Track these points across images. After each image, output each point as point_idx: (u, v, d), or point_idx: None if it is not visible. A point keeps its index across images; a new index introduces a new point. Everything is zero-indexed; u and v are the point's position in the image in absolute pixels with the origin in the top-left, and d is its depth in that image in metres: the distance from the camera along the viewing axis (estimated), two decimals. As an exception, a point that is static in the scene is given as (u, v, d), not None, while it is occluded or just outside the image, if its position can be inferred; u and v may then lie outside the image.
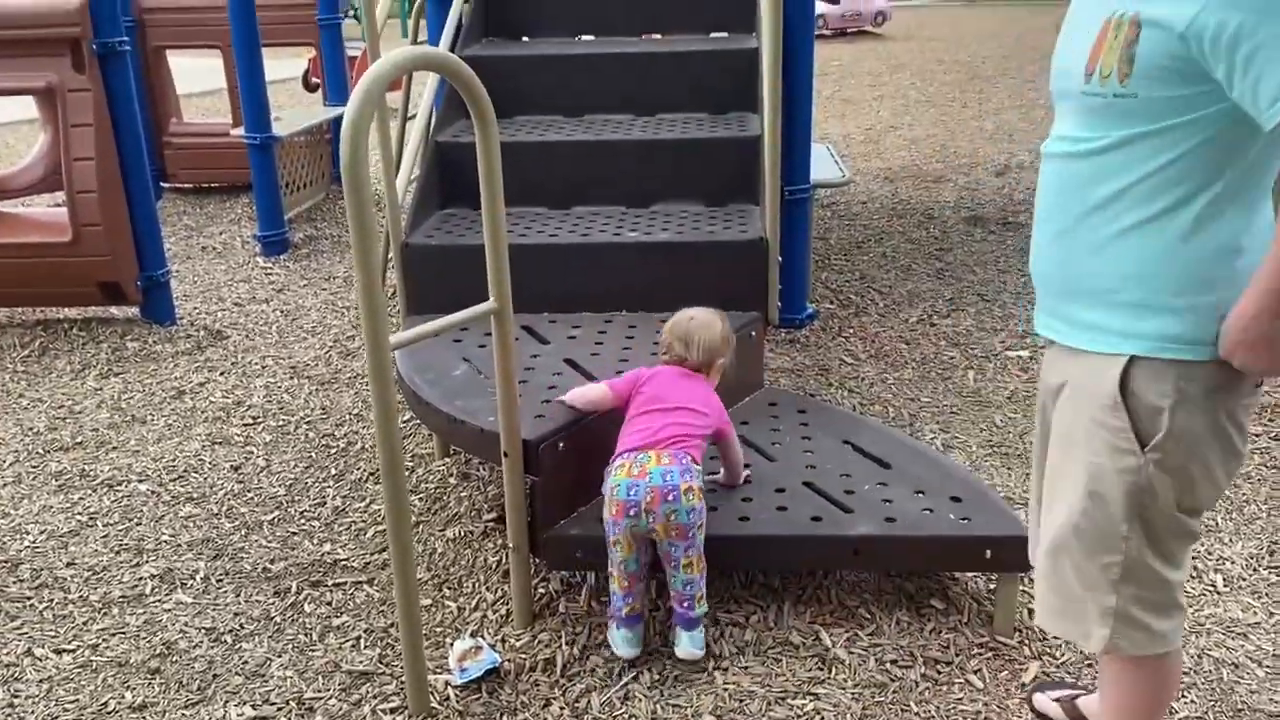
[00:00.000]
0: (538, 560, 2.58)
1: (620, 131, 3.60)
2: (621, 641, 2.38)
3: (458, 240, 3.28)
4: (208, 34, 6.77)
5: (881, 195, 6.89)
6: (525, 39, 4.21)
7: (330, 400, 3.93)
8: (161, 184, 7.26)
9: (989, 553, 2.37)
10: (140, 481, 3.39)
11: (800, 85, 4.01)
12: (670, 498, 2.25)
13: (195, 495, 3.31)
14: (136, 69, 6.80)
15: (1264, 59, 1.33)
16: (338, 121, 6.79)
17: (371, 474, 3.38)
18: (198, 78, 11.27)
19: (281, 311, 4.95)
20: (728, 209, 3.45)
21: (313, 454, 3.54)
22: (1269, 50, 1.32)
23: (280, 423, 3.77)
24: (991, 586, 2.59)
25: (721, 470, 2.61)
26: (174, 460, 3.51)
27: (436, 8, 4.04)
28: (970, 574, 2.66)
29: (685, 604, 2.34)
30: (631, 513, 2.27)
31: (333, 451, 3.55)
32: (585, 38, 4.21)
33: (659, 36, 4.20)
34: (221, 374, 4.20)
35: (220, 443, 3.64)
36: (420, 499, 3.20)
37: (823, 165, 4.72)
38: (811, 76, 4.15)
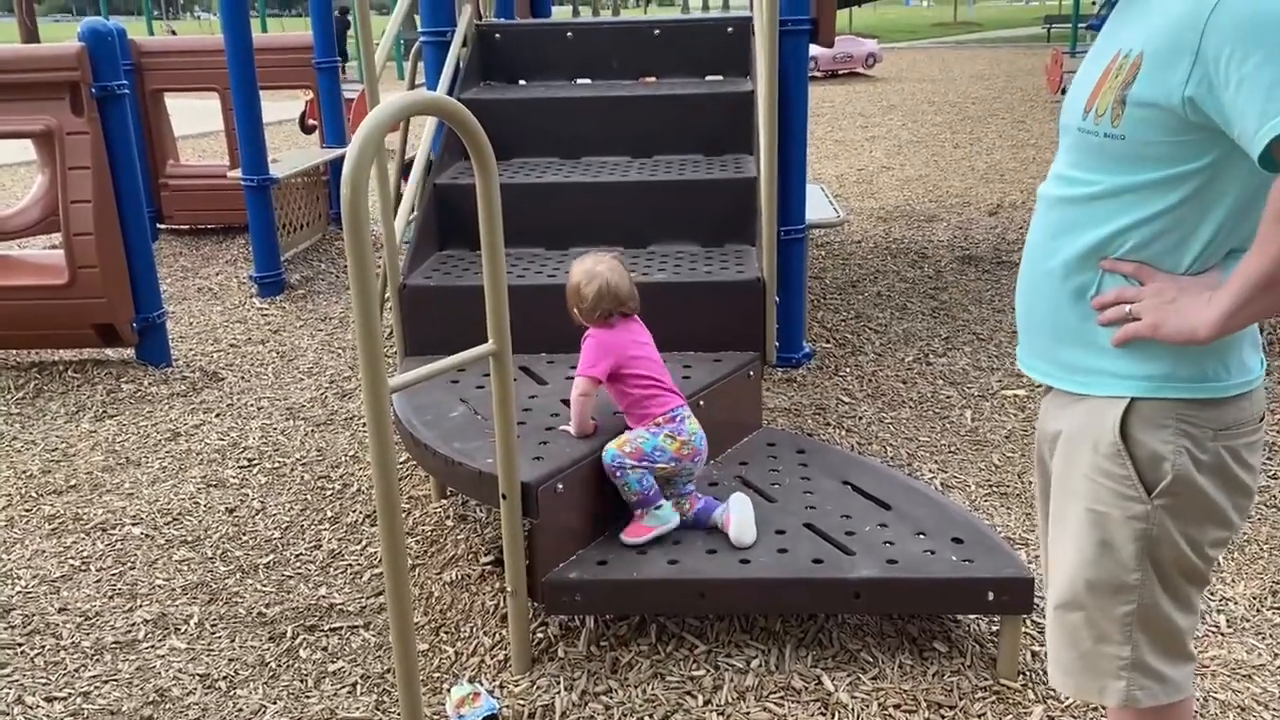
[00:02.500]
0: (536, 604, 2.55)
1: (617, 173, 3.62)
2: (666, 514, 2.60)
3: (456, 281, 3.28)
4: (206, 77, 6.82)
5: (876, 235, 6.93)
6: (522, 82, 4.25)
7: (326, 442, 3.92)
8: (158, 225, 7.29)
9: (991, 594, 2.35)
10: (134, 525, 3.36)
11: (795, 127, 4.04)
12: (703, 448, 2.66)
13: (189, 538, 3.28)
14: (135, 112, 6.86)
15: (1251, 84, 1.33)
16: (335, 163, 6.84)
17: (368, 516, 3.36)
18: (196, 118, 11.34)
19: (278, 353, 4.94)
20: (724, 250, 3.46)
21: (308, 496, 3.52)
22: (1257, 76, 1.32)
23: (275, 465, 3.75)
24: (995, 628, 2.57)
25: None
26: (168, 503, 3.49)
27: (434, 52, 4.07)
28: (973, 616, 2.64)
29: (702, 502, 2.65)
30: (696, 459, 2.62)
31: (328, 494, 3.53)
32: (582, 81, 4.25)
33: (655, 80, 4.23)
34: (217, 415, 4.18)
35: (215, 485, 3.62)
36: (417, 541, 3.17)
37: (818, 205, 4.75)
38: (806, 118, 4.18)
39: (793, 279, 4.31)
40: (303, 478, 3.65)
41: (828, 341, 4.74)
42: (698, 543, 2.53)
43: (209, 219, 7.28)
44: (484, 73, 4.21)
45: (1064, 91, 13.96)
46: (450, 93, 3.86)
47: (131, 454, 3.85)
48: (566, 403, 2.83)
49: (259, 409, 4.24)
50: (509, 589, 2.40)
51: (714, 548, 2.50)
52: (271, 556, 3.16)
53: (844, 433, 3.84)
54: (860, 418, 3.97)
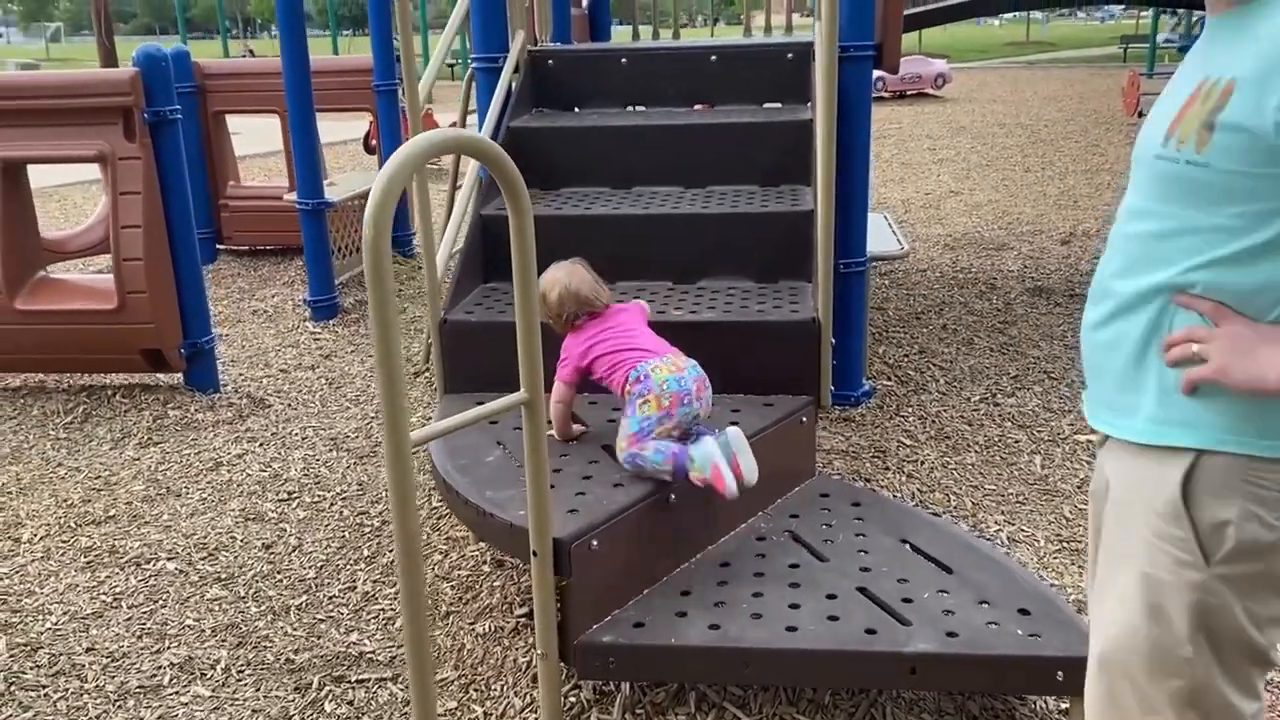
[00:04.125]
0: (568, 667, 2.41)
1: (668, 205, 3.48)
2: (706, 443, 2.49)
3: (498, 317, 3.17)
4: (266, 99, 6.84)
5: (942, 263, 6.70)
6: (576, 109, 4.14)
7: (368, 475, 3.83)
8: (217, 245, 7.33)
9: (1061, 674, 2.16)
10: (169, 559, 3.29)
11: (856, 156, 3.88)
12: (706, 385, 2.61)
13: (223, 575, 3.20)
14: (197, 133, 6.92)
15: None
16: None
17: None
18: (263, 138, 11.49)
19: (326, 379, 4.88)
20: (779, 286, 3.31)
21: (346, 533, 3.43)
22: None
23: (315, 499, 3.66)
24: (1064, 707, 2.37)
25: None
26: (205, 537, 3.42)
27: (486, 78, 3.99)
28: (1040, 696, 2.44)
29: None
30: (685, 401, 2.53)
31: (366, 531, 3.43)
32: (636, 108, 4.13)
33: (711, 107, 4.10)
34: (260, 445, 4.12)
35: (253, 519, 3.54)
36: (452, 587, 3.05)
37: (880, 236, 4.57)
38: (868, 147, 4.01)
39: (853, 314, 4.14)
40: (342, 513, 3.56)
41: (889, 379, 4.54)
42: (741, 605, 2.37)
43: (268, 240, 7.30)
44: (536, 99, 4.11)
45: (1141, 114, 13.59)
46: (500, 120, 3.76)
47: (173, 484, 3.80)
48: (607, 448, 2.70)
49: (303, 439, 4.17)
50: (539, 651, 2.27)
51: (759, 611, 2.34)
52: (304, 598, 3.06)
53: (904, 478, 3.65)
54: (922, 462, 3.77)
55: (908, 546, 2.60)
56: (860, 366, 4.31)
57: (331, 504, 3.63)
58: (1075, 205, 8.52)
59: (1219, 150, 1.30)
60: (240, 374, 4.96)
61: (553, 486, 2.46)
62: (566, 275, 2.74)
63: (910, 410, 4.21)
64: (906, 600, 2.36)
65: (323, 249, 5.71)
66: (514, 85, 3.99)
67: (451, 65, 22.67)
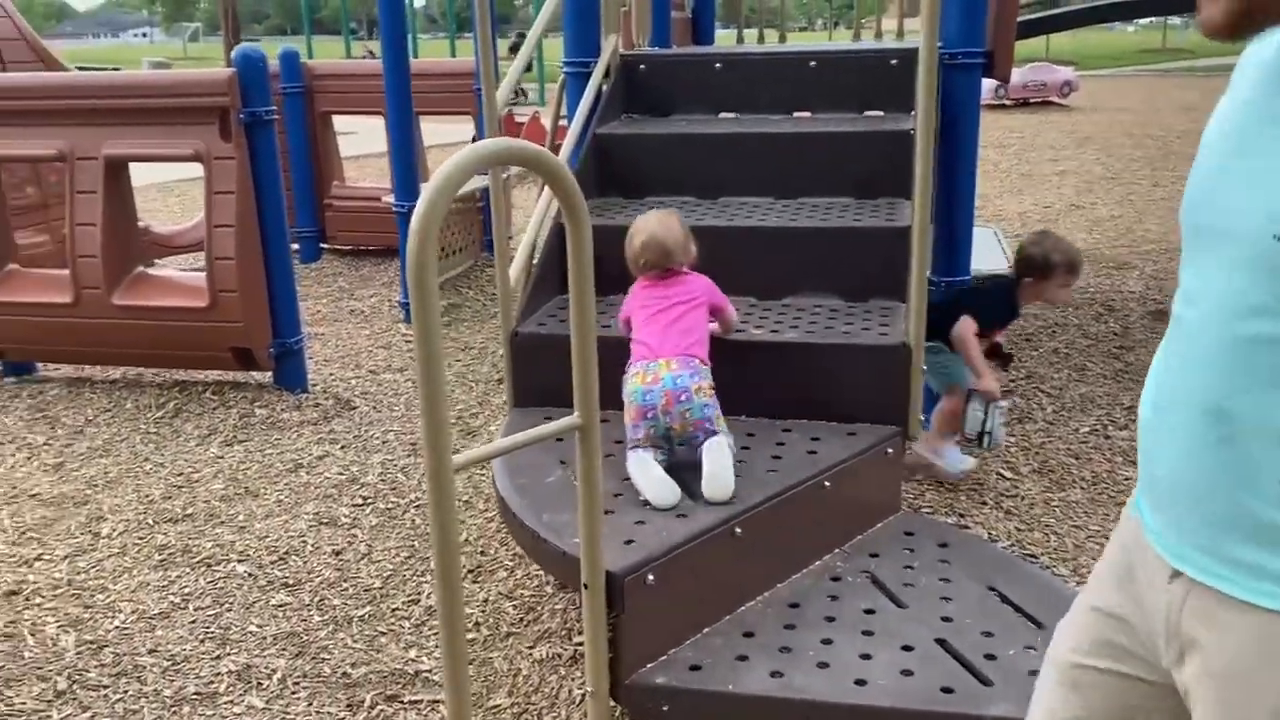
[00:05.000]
0: (619, 706, 2.28)
1: (755, 216, 3.32)
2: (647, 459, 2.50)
3: (557, 330, 3.06)
4: (371, 100, 6.88)
5: (1056, 281, 6.35)
6: (667, 116, 4.01)
7: (442, 484, 3.77)
8: (321, 245, 7.44)
9: (1161, 753, 1.93)
10: (240, 561, 3.28)
11: (962, 169, 3.66)
12: (683, 398, 2.49)
13: (291, 581, 3.17)
14: (304, 133, 7.03)
15: None
16: (488, 191, 6.79)
17: (470, 571, 3.17)
18: (379, 138, 11.69)
19: (412, 382, 4.86)
20: (869, 306, 3.12)
21: (415, 542, 3.37)
22: None
23: (389, 505, 3.62)
24: (1164, 786, 2.14)
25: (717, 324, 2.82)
26: (277, 540, 3.40)
27: (575, 83, 3.89)
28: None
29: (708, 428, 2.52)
30: (649, 415, 2.50)
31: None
32: (728, 115, 3.98)
33: (808, 114, 3.92)
34: (342, 448, 4.11)
35: (327, 523, 3.52)
36: (514, 606, 2.96)
37: (987, 252, 4.32)
38: (975, 158, 3.78)
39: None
40: (413, 521, 3.51)
41: (991, 405, 4.28)
42: (809, 652, 2.20)
43: (370, 240, 7.38)
44: (626, 105, 4.00)
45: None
46: (586, 126, 3.66)
47: (252, 483, 3.81)
48: (672, 469, 2.56)
49: (383, 443, 4.14)
50: (589, 689, 2.14)
51: (827, 660, 2.17)
52: (368, 609, 3.01)
53: (1001, 514, 3.41)
54: (1022, 497, 3.53)
55: (996, 595, 2.40)
56: (960, 391, 4.07)
57: (404, 511, 3.59)
58: (1206, 222, 8.01)
59: None
60: (331, 374, 4.98)
61: (611, 512, 2.34)
62: (657, 224, 2.73)
63: (1013, 439, 3.96)
64: (989, 657, 2.16)
65: (417, 251, 5.70)
66: (604, 90, 3.88)
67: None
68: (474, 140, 10.82)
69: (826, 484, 2.54)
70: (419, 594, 3.08)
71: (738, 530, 2.34)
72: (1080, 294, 6.02)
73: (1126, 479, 3.66)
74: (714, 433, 2.49)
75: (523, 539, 2.42)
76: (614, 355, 2.81)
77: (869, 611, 2.33)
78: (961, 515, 3.39)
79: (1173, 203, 8.88)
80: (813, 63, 3.85)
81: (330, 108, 7.18)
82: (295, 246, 7.48)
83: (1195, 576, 1.13)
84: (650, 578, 2.15)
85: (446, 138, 11.99)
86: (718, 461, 2.44)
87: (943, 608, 2.34)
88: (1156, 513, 1.19)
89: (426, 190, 1.69)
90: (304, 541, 3.40)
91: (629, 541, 2.22)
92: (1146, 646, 1.22)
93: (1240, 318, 1.06)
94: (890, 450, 2.75)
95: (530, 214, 3.46)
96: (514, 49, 18.40)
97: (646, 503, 2.40)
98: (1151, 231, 7.73)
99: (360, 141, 12.37)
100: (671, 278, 2.74)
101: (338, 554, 3.32)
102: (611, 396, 2.83)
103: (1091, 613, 1.33)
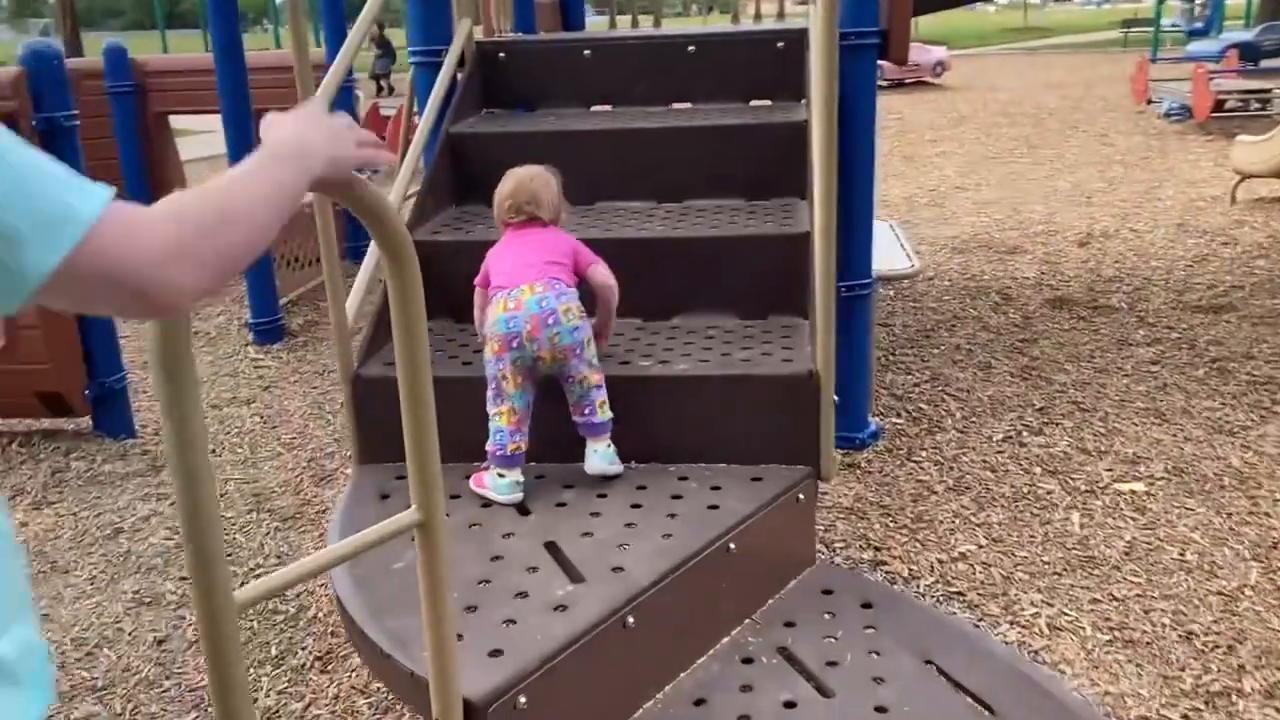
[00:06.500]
0: None
1: (635, 225, 2.91)
2: (504, 487, 2.36)
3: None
4: (214, 97, 6.24)
5: (951, 269, 6.13)
6: (532, 110, 3.56)
7: (289, 545, 3.26)
8: (162, 259, 6.76)
9: None
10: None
11: (860, 163, 3.31)
12: (550, 321, 2.33)
13: (101, 684, 2.64)
14: (137, 136, 6.34)
15: None
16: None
17: (318, 658, 2.69)
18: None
19: (261, 417, 4.32)
20: (768, 324, 2.74)
21: (254, 621, 2.86)
22: None
23: (224, 576, 3.09)
24: None
25: (594, 319, 2.54)
26: (87, 627, 2.85)
27: (426, 76, 3.40)
28: None
29: (587, 410, 2.39)
30: (514, 344, 2.33)
31: (278, 621, 2.87)
32: (601, 108, 3.55)
33: (689, 106, 3.52)
34: (171, 504, 3.55)
35: (149, 602, 2.98)
36: (370, 705, 2.49)
37: (886, 250, 4.00)
38: (874, 150, 3.44)
39: (856, 343, 3.57)
40: (253, 595, 2.99)
41: (898, 414, 3.97)
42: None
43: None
44: (486, 99, 3.53)
45: (1150, 101, 13.01)
46: (438, 124, 3.18)
47: (62, 556, 3.24)
48: (551, 548, 2.13)
49: (221, 495, 3.60)
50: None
51: (744, 778, 1.78)
52: (194, 714, 2.50)
53: (918, 545, 3.08)
54: (940, 522, 3.21)
55: (934, 671, 2.04)
56: (866, 403, 3.75)
57: (242, 583, 3.04)
58: (1089, 202, 7.94)
59: None
60: (165, 411, 4.39)
61: (473, 609, 1.91)
62: (531, 172, 2.59)
63: (924, 454, 3.65)
64: (938, 761, 1.80)
65: (263, 265, 5.13)
66: (459, 82, 3.41)
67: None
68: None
69: (731, 546, 2.15)
70: (256, 690, 2.58)
71: (630, 620, 1.92)
72: (976, 282, 5.81)
73: (1048, 492, 3.38)
74: (583, 359, 2.37)
75: (364, 651, 1.96)
76: (475, 394, 2.37)
77: (789, 705, 1.95)
78: (878, 549, 3.05)
79: (1053, 181, 8.83)
80: (691, 47, 3.45)
81: (166, 107, 6.50)
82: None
83: None
84: (522, 699, 1.72)
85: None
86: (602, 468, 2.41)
87: (876, 693, 1.97)
88: None
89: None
90: (120, 630, 2.86)
91: (495, 653, 1.78)
92: None
93: None
94: (801, 496, 2.37)
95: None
96: (375, 40, 17.58)
97: (513, 594, 1.96)
98: (1038, 212, 7.61)
99: (208, 144, 11.50)
100: (537, 229, 2.56)
101: (160, 643, 2.79)
102: (470, 439, 2.40)
103: None
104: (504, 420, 2.36)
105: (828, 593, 2.33)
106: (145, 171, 6.43)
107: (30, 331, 3.67)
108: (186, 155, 7.24)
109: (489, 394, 2.39)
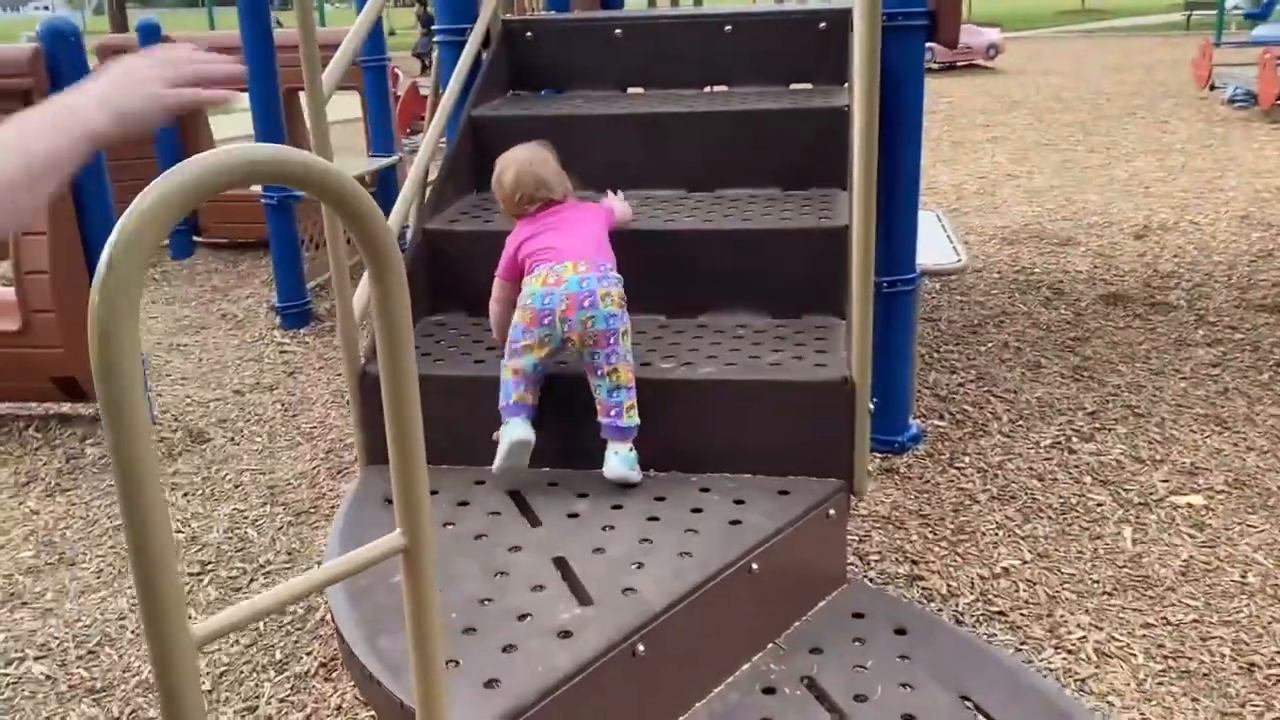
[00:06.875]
0: None
1: (663, 216, 2.75)
2: (515, 425, 2.26)
3: (440, 368, 2.47)
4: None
5: (1000, 261, 5.90)
6: (560, 92, 3.40)
7: (300, 542, 3.15)
8: (194, 238, 6.71)
9: None
10: (38, 659, 2.65)
11: (905, 150, 3.12)
12: (586, 304, 2.24)
13: (100, 685, 2.55)
14: (169, 114, 6.26)
15: None
16: (384, 175, 6.13)
17: (323, 664, 2.58)
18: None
19: (282, 404, 4.22)
20: (801, 325, 2.57)
21: (261, 624, 2.76)
22: None
23: (232, 574, 3.00)
24: None
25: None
26: (89, 627, 2.77)
27: (449, 53, 3.25)
28: None
29: (613, 412, 2.26)
30: (545, 321, 2.25)
31: (284, 623, 2.76)
32: (633, 91, 3.39)
33: (725, 89, 3.34)
34: (185, 495, 3.46)
35: (155, 599, 2.88)
36: (373, 715, 2.37)
37: (933, 243, 3.79)
38: (920, 139, 3.25)
39: (897, 342, 3.39)
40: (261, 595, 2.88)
41: (941, 417, 3.78)
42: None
43: (250, 233, 6.64)
44: (513, 80, 3.38)
45: (1213, 87, 12.55)
46: (460, 106, 3.04)
47: (69, 548, 3.16)
48: (560, 563, 1.99)
49: (235, 487, 3.51)
50: None
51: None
52: None
53: (958, 559, 2.90)
54: (982, 534, 3.02)
55: (971, 709, 1.87)
56: (906, 404, 3.56)
57: (251, 580, 2.97)
58: (1147, 192, 7.63)
59: None
60: (187, 396, 4.31)
61: (471, 631, 1.77)
62: (528, 155, 2.49)
63: (967, 459, 3.46)
64: (973, 815, 1.64)
65: (290, 249, 5.04)
66: (484, 62, 3.26)
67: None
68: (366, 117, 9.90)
69: (754, 566, 1.99)
70: (257, 698, 2.47)
71: (640, 648, 1.77)
72: (1026, 275, 5.58)
73: (1098, 504, 3.18)
74: (615, 350, 2.25)
75: (353, 672, 1.84)
76: (487, 396, 2.24)
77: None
78: (915, 562, 2.88)
79: (1110, 170, 8.51)
80: (728, 27, 3.27)
81: (198, 85, 6.41)
82: (164, 242, 6.74)
83: None
84: (520, 737, 1.58)
85: (338, 113, 11.15)
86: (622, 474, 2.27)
87: (907, 733, 1.81)
88: None
89: (116, 236, 1.09)
90: (123, 627, 2.77)
91: (491, 683, 1.64)
92: None
93: None
94: (832, 512, 2.21)
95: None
96: (420, 19, 17.47)
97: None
98: (1093, 203, 7.32)
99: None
100: (555, 208, 2.48)
101: (163, 642, 2.69)
102: (480, 443, 2.27)
103: None
104: (510, 374, 2.31)
105: (859, 616, 2.17)
106: (179, 150, 6.36)
107: (44, 315, 3.59)
108: (221, 135, 7.16)
109: (505, 352, 2.34)
